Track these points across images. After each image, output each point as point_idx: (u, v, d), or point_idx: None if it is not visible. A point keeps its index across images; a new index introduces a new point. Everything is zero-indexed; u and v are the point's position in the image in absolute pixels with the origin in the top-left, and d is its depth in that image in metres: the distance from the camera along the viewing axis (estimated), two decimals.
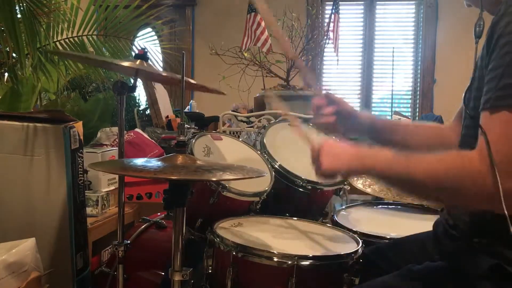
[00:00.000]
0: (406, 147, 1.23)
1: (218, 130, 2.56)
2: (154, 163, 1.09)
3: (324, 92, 1.27)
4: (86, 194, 1.73)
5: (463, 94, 1.01)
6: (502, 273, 0.89)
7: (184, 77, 1.14)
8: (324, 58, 4.36)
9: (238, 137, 2.34)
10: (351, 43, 4.65)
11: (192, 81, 1.51)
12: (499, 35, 0.84)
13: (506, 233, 0.81)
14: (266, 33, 2.80)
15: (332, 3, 3.01)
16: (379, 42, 4.63)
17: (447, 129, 1.23)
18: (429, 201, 0.98)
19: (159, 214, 1.87)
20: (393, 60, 3.08)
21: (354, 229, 1.42)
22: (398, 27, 4.68)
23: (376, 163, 0.95)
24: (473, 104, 0.96)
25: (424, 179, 0.88)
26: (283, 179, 1.65)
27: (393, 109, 3.29)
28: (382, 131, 1.26)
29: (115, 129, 2.26)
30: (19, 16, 2.02)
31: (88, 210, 1.78)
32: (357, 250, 1.23)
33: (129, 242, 1.49)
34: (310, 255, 1.19)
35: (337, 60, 3.25)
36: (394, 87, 3.25)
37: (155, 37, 3.06)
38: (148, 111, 3.21)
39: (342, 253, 1.20)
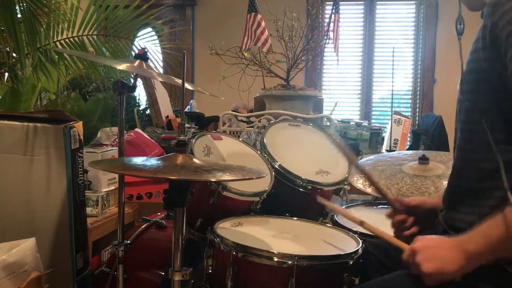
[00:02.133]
0: None
1: (218, 130, 2.55)
2: (154, 162, 1.09)
3: (396, 203, 1.20)
4: (86, 194, 1.73)
5: (458, 87, 1.01)
6: (502, 273, 0.89)
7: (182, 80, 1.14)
8: (324, 58, 4.36)
9: (238, 137, 2.34)
10: (351, 43, 4.64)
11: (190, 87, 1.51)
12: (507, 35, 0.85)
13: None
14: (266, 33, 2.80)
15: (332, 3, 3.00)
16: (379, 42, 4.63)
17: None
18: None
19: (159, 214, 1.87)
20: (393, 60, 3.07)
21: (354, 229, 1.42)
22: (398, 27, 4.68)
23: (476, 244, 0.88)
24: (470, 97, 0.97)
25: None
26: (283, 179, 1.65)
27: (393, 109, 3.28)
28: None
29: (115, 129, 2.26)
30: (19, 16, 2.02)
31: (88, 210, 1.78)
32: (357, 250, 1.23)
33: (129, 242, 1.49)
34: (310, 255, 1.19)
35: (337, 60, 3.24)
36: (394, 87, 3.24)
37: (155, 37, 3.06)
38: (148, 111, 3.21)
39: (342, 253, 1.20)
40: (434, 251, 0.91)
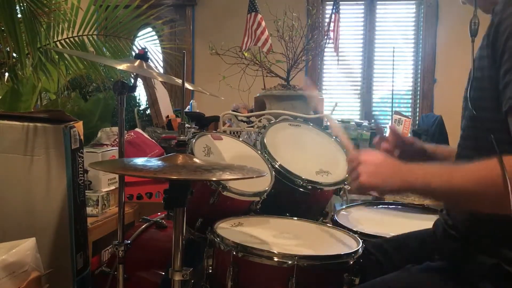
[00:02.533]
0: None
1: (218, 130, 2.55)
2: (154, 162, 1.09)
3: (389, 131, 1.24)
4: (86, 194, 1.73)
5: (464, 95, 1.01)
6: (502, 273, 0.89)
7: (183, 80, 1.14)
8: (324, 58, 4.36)
9: (238, 137, 2.34)
10: (351, 43, 4.65)
11: (190, 87, 1.51)
12: (508, 37, 0.84)
13: (505, 233, 0.81)
14: (266, 33, 2.80)
15: (332, 3, 3.00)
16: (379, 42, 4.63)
17: None
18: (471, 209, 0.95)
19: (159, 214, 1.87)
20: (393, 60, 3.08)
21: (354, 229, 1.42)
22: (398, 27, 4.68)
23: (419, 179, 0.93)
24: (473, 105, 0.96)
25: (466, 188, 0.87)
26: (283, 179, 1.65)
27: (393, 109, 3.29)
28: (439, 157, 1.23)
29: (116, 129, 2.26)
30: (19, 16, 2.02)
31: (88, 210, 1.78)
32: (357, 250, 1.23)
33: (129, 242, 1.49)
34: (310, 255, 1.19)
35: (338, 60, 3.25)
36: (394, 87, 3.24)
37: (155, 37, 3.06)
38: (148, 111, 3.21)
39: (342, 253, 1.20)
40: (377, 168, 0.98)
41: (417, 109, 4.58)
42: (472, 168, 0.88)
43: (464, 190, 0.87)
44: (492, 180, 0.83)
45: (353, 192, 1.07)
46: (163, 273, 1.58)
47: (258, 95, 2.62)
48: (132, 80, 1.51)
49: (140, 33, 2.85)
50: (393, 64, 3.11)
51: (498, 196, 0.82)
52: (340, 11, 3.08)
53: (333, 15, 2.91)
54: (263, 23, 2.82)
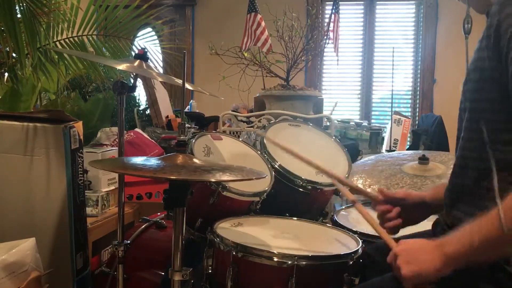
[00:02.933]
0: None
1: (218, 130, 2.55)
2: (154, 162, 1.09)
3: (380, 195, 1.19)
4: (86, 194, 1.73)
5: (462, 87, 1.01)
6: (502, 273, 0.89)
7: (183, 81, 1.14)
8: (324, 58, 4.36)
9: (238, 137, 2.34)
10: (351, 43, 4.64)
11: (190, 87, 1.51)
12: (510, 37, 0.85)
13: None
14: (266, 33, 2.80)
15: (332, 3, 3.00)
16: (379, 42, 4.63)
17: None
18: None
19: (159, 214, 1.87)
20: (393, 60, 3.07)
21: (354, 229, 1.42)
22: (398, 27, 4.68)
23: (455, 246, 0.88)
24: (472, 96, 0.96)
25: (499, 235, 0.83)
26: (283, 179, 1.65)
27: (393, 109, 3.28)
28: (440, 199, 1.17)
29: (115, 129, 2.26)
30: (19, 16, 2.02)
31: (88, 210, 1.78)
32: (357, 250, 1.23)
33: (129, 242, 1.49)
34: (310, 255, 1.19)
35: (337, 60, 3.24)
36: (394, 87, 3.24)
37: (155, 37, 3.06)
38: (148, 111, 3.21)
39: (342, 253, 1.20)
40: (413, 254, 0.92)
41: (417, 109, 4.58)
42: (485, 222, 0.86)
43: (484, 246, 0.85)
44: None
45: (408, 286, 1.00)
46: (163, 273, 1.58)
47: (258, 95, 2.62)
48: (132, 80, 1.51)
49: (140, 33, 2.85)
50: (393, 64, 3.11)
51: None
52: (340, 11, 3.08)
53: (332, 15, 2.91)
54: (263, 23, 2.82)
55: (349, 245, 1.28)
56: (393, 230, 1.15)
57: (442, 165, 1.77)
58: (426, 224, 1.18)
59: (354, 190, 1.27)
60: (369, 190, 1.75)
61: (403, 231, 1.32)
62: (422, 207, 1.17)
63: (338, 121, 3.00)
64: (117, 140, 1.96)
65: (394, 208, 1.17)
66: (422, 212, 1.18)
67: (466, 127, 1.00)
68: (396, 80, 4.53)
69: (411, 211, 1.17)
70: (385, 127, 3.36)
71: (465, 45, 0.98)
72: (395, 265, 0.94)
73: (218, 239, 1.25)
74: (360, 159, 2.42)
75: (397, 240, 1.11)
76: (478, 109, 0.94)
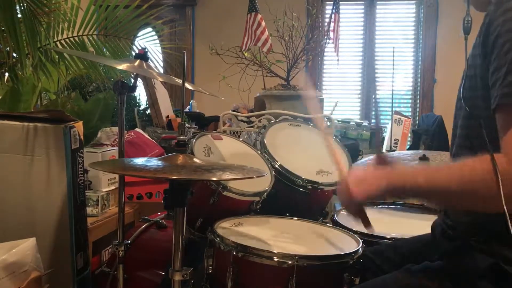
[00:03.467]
0: None
1: (218, 130, 2.55)
2: (154, 162, 1.09)
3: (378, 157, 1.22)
4: (86, 194, 1.73)
5: (458, 93, 1.01)
6: (500, 273, 0.89)
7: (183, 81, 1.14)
8: (324, 58, 4.35)
9: (238, 137, 2.34)
10: (351, 43, 4.64)
11: (190, 87, 1.51)
12: (497, 35, 0.85)
13: (504, 232, 0.81)
14: (266, 33, 2.80)
15: (332, 3, 3.01)
16: (379, 42, 4.63)
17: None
18: (457, 208, 0.96)
19: (159, 214, 1.87)
20: (393, 60, 3.07)
21: (354, 229, 1.42)
22: (398, 27, 4.68)
23: (405, 180, 0.94)
24: (467, 93, 0.97)
25: (450, 186, 0.87)
26: (284, 179, 1.65)
27: (393, 109, 3.28)
28: None
29: (115, 129, 2.26)
30: (19, 16, 2.02)
31: (88, 210, 1.78)
32: (357, 250, 1.23)
33: (129, 242, 1.49)
34: (310, 255, 1.19)
35: (338, 60, 3.24)
36: (394, 87, 3.24)
37: (155, 37, 3.06)
38: (148, 111, 3.21)
39: (342, 253, 1.20)
40: (363, 176, 1.01)
41: (417, 109, 4.58)
42: (458, 166, 0.89)
43: (448, 189, 0.88)
44: (480, 178, 0.83)
45: (350, 214, 1.09)
46: (163, 273, 1.58)
47: (258, 95, 2.62)
48: (132, 80, 1.51)
49: (140, 33, 2.85)
50: (393, 64, 3.11)
51: (488, 194, 0.82)
52: (340, 11, 3.08)
53: (333, 15, 2.91)
54: (263, 23, 2.82)
55: (350, 245, 1.28)
56: None
57: None
58: (426, 224, 1.18)
59: None
60: None
61: (403, 233, 1.32)
62: None
63: (338, 121, 3.00)
64: (117, 140, 1.96)
65: None
66: None
67: (462, 126, 1.01)
68: (396, 80, 4.53)
69: None
70: (386, 127, 3.36)
71: (465, 44, 0.98)
72: (346, 189, 1.01)
73: (218, 239, 1.25)
74: (361, 159, 2.42)
75: (390, 244, 1.12)
76: (473, 107, 0.94)
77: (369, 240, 1.35)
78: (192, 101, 3.82)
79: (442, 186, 0.88)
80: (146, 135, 2.60)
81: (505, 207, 0.79)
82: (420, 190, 0.93)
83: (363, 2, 4.60)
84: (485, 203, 0.85)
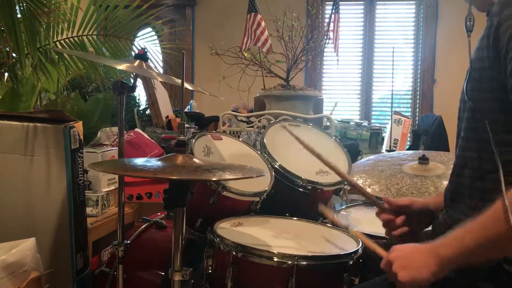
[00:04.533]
0: None
1: (218, 130, 2.55)
2: (154, 163, 1.09)
3: (384, 203, 1.19)
4: (86, 194, 1.73)
5: (463, 87, 1.01)
6: (502, 274, 0.89)
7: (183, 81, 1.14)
8: (324, 58, 4.36)
9: (238, 137, 2.34)
10: (351, 43, 4.64)
11: (190, 87, 1.51)
12: (509, 38, 0.85)
13: None
14: (266, 33, 2.80)
15: (332, 3, 3.00)
16: (379, 42, 4.63)
17: None
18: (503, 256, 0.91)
19: (159, 214, 1.87)
20: (393, 60, 3.07)
21: (354, 229, 1.42)
22: (398, 27, 4.68)
23: (450, 249, 0.89)
24: (473, 95, 0.96)
25: (498, 233, 0.83)
26: (283, 179, 1.65)
27: (393, 109, 3.28)
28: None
29: (115, 129, 2.26)
30: (19, 16, 2.02)
31: (88, 210, 1.78)
32: (357, 250, 1.23)
33: (129, 242, 1.49)
34: (310, 255, 1.19)
35: (337, 60, 3.24)
36: (394, 87, 3.24)
37: (155, 37, 3.06)
38: (148, 111, 3.21)
39: (342, 253, 1.20)
40: (408, 260, 0.92)
41: (417, 109, 4.58)
42: (480, 222, 0.86)
43: (496, 237, 0.84)
44: (498, 227, 0.82)
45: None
46: (163, 273, 1.58)
47: (258, 95, 2.62)
48: (132, 80, 1.51)
49: (140, 33, 2.85)
50: (393, 64, 3.10)
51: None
52: (340, 11, 3.08)
53: (332, 15, 2.91)
54: (263, 23, 2.82)
55: (349, 245, 1.28)
56: (401, 237, 1.14)
57: (442, 165, 1.77)
58: None
59: (366, 195, 1.27)
60: (369, 190, 1.76)
61: None
62: (426, 214, 1.16)
63: (338, 121, 3.00)
64: (117, 140, 1.96)
65: (399, 216, 1.16)
66: (426, 219, 1.17)
67: (466, 127, 1.00)
68: (396, 80, 4.53)
69: (416, 218, 1.16)
70: (385, 127, 3.36)
71: (468, 43, 0.97)
72: (390, 271, 0.94)
73: (218, 239, 1.25)
74: (360, 159, 2.42)
75: (390, 244, 1.12)
76: (478, 109, 0.94)
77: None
78: (191, 101, 3.82)
79: (490, 235, 0.84)
80: (146, 135, 2.60)
81: None
82: (471, 250, 0.86)
83: (363, 2, 4.60)
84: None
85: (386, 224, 1.18)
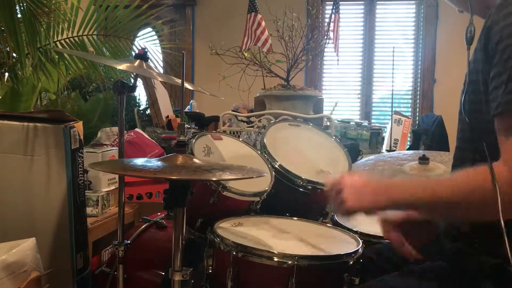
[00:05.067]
0: None
1: (218, 130, 2.56)
2: (154, 163, 1.09)
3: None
4: (86, 194, 1.73)
5: (461, 98, 1.01)
6: (503, 274, 0.89)
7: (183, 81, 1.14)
8: (324, 58, 4.36)
9: (238, 137, 2.34)
10: (351, 43, 4.64)
11: (190, 87, 1.51)
12: (498, 41, 0.84)
13: (507, 233, 0.81)
14: (266, 33, 2.80)
15: (332, 3, 3.01)
16: (379, 42, 4.63)
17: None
18: (459, 220, 0.95)
19: (159, 214, 1.87)
20: (393, 60, 3.07)
21: (354, 229, 1.42)
22: (398, 27, 4.68)
23: (404, 193, 0.93)
24: (468, 107, 0.96)
25: (452, 198, 0.86)
26: (283, 179, 1.65)
27: (393, 109, 3.28)
28: None
29: (115, 129, 2.26)
30: (19, 16, 2.02)
31: (88, 210, 1.78)
32: (357, 250, 1.23)
33: (129, 242, 1.49)
34: (310, 255, 1.19)
35: (337, 60, 3.24)
36: (394, 87, 3.24)
37: (155, 37, 3.06)
38: (148, 111, 3.21)
39: (342, 253, 1.20)
40: (359, 191, 0.98)
41: (417, 109, 4.58)
42: (457, 178, 0.88)
43: (449, 200, 0.86)
44: (479, 188, 0.82)
45: (340, 217, 1.06)
46: (163, 273, 1.58)
47: (258, 95, 2.62)
48: (132, 80, 1.51)
49: (140, 33, 2.85)
50: (393, 64, 3.10)
51: (484, 204, 0.82)
52: (340, 11, 3.08)
53: (333, 15, 2.92)
54: (263, 23, 2.83)
55: (350, 245, 1.28)
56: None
57: (442, 165, 1.77)
58: None
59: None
60: None
61: None
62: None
63: (338, 121, 3.00)
64: (117, 140, 1.96)
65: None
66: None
67: (464, 129, 1.00)
68: (396, 80, 4.53)
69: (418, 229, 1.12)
70: (385, 127, 3.36)
71: (467, 55, 0.97)
72: (337, 196, 0.99)
73: (218, 239, 1.25)
74: (361, 159, 2.42)
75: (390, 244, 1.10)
76: (475, 110, 0.94)
77: (369, 240, 1.35)
78: (192, 101, 3.82)
79: (443, 197, 0.87)
80: (146, 135, 2.60)
81: (501, 217, 0.79)
82: (421, 203, 0.91)
83: (363, 2, 4.60)
84: (482, 211, 0.85)
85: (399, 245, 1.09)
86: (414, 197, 0.91)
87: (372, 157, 2.09)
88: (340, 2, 3.27)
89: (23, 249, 1.30)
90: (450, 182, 0.89)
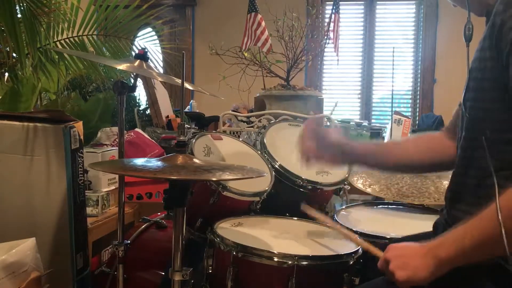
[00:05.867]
0: (405, 165, 1.23)
1: (218, 130, 2.55)
2: (154, 163, 1.09)
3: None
4: (86, 194, 1.73)
5: (462, 96, 1.01)
6: (502, 273, 0.89)
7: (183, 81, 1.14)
8: (324, 58, 4.35)
9: (238, 137, 2.34)
10: (351, 43, 4.65)
11: (190, 87, 1.51)
12: None
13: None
14: (266, 33, 2.80)
15: (332, 3, 3.00)
16: (379, 42, 4.63)
17: (441, 137, 1.22)
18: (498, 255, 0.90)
19: (159, 214, 1.87)
20: (393, 60, 3.07)
21: (354, 229, 1.42)
22: (398, 27, 4.68)
23: (448, 250, 0.89)
24: (471, 105, 0.96)
25: (493, 235, 0.83)
26: (283, 179, 1.65)
27: (393, 109, 3.28)
28: (375, 154, 1.23)
29: (115, 129, 2.26)
30: (19, 16, 2.02)
31: (88, 210, 1.78)
32: (357, 250, 1.23)
33: (129, 242, 1.49)
34: (310, 255, 1.19)
35: (337, 60, 3.24)
36: (394, 87, 3.24)
37: (155, 37, 3.06)
38: (148, 111, 3.21)
39: (342, 253, 1.20)
40: (405, 259, 0.93)
41: (417, 109, 4.58)
42: (478, 222, 0.87)
43: (479, 247, 0.86)
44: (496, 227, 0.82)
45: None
46: (163, 273, 1.58)
47: (258, 95, 2.62)
48: (132, 80, 1.51)
49: (140, 33, 2.85)
50: (393, 64, 3.10)
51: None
52: (340, 11, 3.08)
53: (333, 15, 2.91)
54: (263, 23, 2.82)
55: (349, 245, 1.28)
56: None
57: None
58: (427, 224, 1.18)
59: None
60: (369, 190, 1.76)
61: (403, 233, 1.32)
62: (335, 150, 1.20)
63: (338, 121, 3.00)
64: (117, 140, 1.96)
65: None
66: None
67: (468, 128, 1.00)
68: (396, 80, 4.53)
69: (324, 150, 1.20)
70: (385, 127, 3.36)
71: (467, 52, 0.97)
72: (387, 270, 0.94)
73: (218, 239, 1.25)
74: None
75: (394, 241, 1.11)
76: (479, 108, 0.94)
77: (369, 241, 1.35)
78: (192, 101, 3.82)
79: (471, 249, 0.86)
80: (146, 135, 2.60)
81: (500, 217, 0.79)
82: (469, 253, 0.87)
83: (363, 2, 4.61)
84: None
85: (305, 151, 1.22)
86: (463, 248, 0.87)
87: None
88: (340, 2, 3.27)
89: (23, 249, 1.29)
90: (484, 220, 0.86)
